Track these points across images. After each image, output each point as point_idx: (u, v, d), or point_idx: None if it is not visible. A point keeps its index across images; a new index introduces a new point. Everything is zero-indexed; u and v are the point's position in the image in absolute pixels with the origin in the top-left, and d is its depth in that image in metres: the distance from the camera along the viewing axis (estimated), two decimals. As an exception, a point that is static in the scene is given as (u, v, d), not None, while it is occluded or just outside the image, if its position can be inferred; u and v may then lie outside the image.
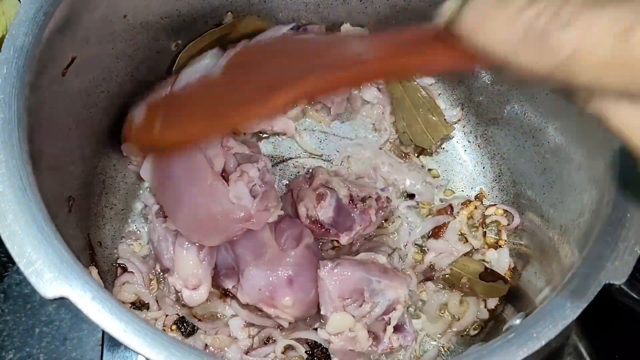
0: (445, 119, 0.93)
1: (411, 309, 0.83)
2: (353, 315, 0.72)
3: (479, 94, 0.94)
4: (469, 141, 0.97)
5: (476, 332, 0.82)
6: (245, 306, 0.77)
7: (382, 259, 0.78)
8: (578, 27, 0.35)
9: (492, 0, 0.39)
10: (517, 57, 0.38)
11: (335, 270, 0.73)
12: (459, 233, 0.87)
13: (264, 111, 0.56)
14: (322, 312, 0.74)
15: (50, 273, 0.52)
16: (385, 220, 0.88)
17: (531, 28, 0.36)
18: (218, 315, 0.78)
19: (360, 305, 0.73)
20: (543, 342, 0.54)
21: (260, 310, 0.75)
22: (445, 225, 0.88)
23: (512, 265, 0.85)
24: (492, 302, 0.83)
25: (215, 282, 0.78)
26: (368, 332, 0.73)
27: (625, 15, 0.34)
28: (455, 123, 0.95)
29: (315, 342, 0.78)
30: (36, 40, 0.63)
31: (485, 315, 0.83)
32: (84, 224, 0.79)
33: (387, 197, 0.84)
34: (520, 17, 0.37)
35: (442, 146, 0.96)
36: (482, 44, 0.40)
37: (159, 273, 0.81)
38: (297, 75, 0.55)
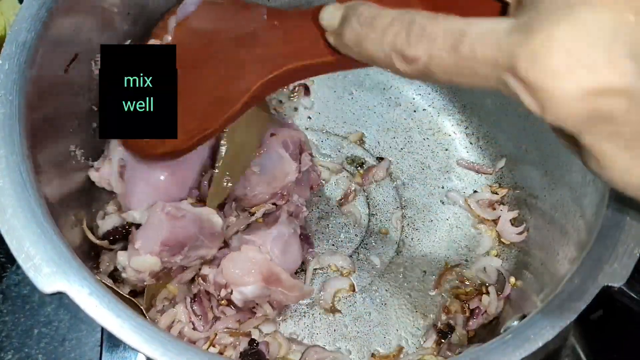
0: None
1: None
2: (162, 261, 0.70)
3: (483, 96, 0.94)
4: (470, 142, 0.97)
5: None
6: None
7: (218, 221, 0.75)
8: (424, 42, 0.44)
9: (364, 21, 0.49)
10: (392, 66, 0.47)
11: (177, 222, 0.71)
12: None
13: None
14: (136, 246, 0.70)
15: (48, 268, 0.52)
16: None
17: (394, 45, 0.46)
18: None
19: (173, 255, 0.71)
20: (540, 344, 0.54)
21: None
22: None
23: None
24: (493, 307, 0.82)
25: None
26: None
27: (455, 27, 0.42)
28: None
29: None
30: (38, 36, 0.64)
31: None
32: (85, 220, 0.79)
33: None
34: (384, 37, 0.46)
35: (445, 147, 0.96)
36: (362, 57, 0.50)
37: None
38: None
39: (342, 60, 0.57)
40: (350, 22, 0.50)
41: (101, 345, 0.80)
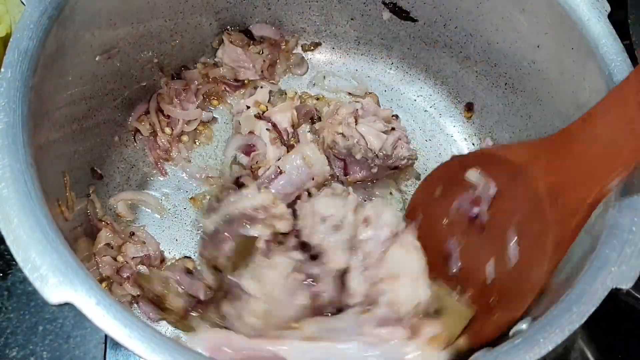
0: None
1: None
2: None
3: (485, 97, 0.94)
4: (473, 144, 0.96)
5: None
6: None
7: None
8: None
9: None
10: None
11: None
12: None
13: None
14: None
15: (54, 278, 0.52)
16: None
17: None
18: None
19: None
20: (550, 348, 0.54)
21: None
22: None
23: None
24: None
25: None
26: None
27: None
28: None
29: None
30: (41, 44, 0.63)
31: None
32: (88, 227, 0.79)
33: None
34: None
35: (447, 149, 0.96)
36: None
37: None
38: None
39: None
40: None
41: (105, 343, 0.80)
